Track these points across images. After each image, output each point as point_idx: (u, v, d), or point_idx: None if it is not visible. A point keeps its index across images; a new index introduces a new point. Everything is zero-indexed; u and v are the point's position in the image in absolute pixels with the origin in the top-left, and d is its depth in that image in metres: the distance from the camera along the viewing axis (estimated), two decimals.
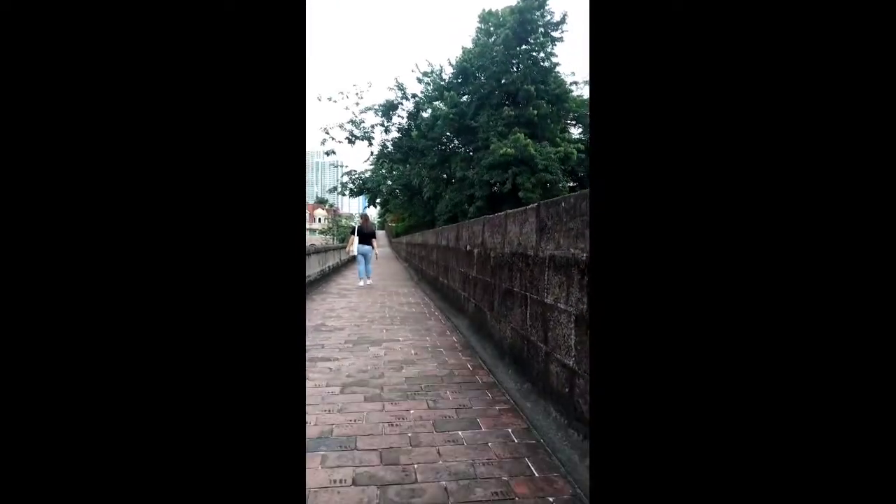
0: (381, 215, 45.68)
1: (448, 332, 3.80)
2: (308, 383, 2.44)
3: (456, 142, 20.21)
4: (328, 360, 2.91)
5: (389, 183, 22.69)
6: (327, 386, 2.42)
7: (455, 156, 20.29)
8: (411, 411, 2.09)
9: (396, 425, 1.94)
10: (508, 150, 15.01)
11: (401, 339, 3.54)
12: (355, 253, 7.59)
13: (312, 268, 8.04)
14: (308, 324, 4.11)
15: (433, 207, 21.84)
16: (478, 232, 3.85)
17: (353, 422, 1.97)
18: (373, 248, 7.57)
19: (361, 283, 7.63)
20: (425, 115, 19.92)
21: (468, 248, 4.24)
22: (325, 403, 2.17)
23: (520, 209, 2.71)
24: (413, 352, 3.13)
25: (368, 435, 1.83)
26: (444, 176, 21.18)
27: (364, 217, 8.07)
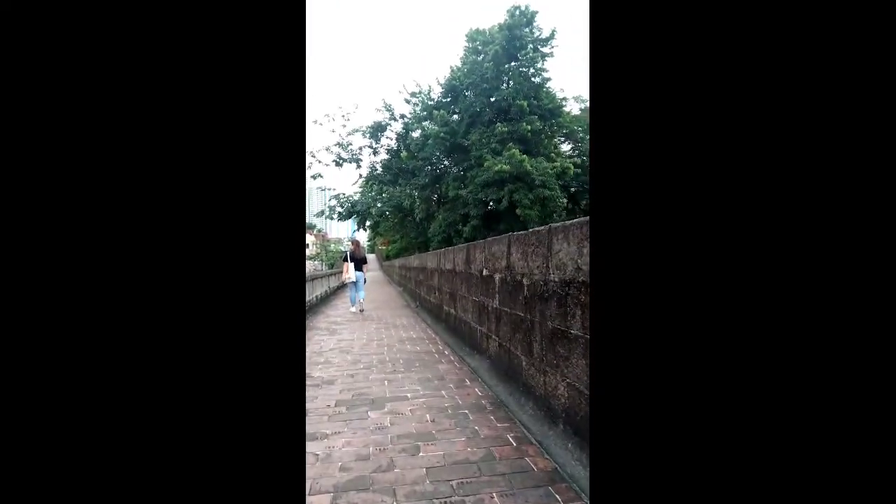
0: (370, 239, 44.84)
1: (468, 382, 3.01)
2: None
3: (447, 162, 19.74)
4: (314, 437, 2.10)
5: (379, 205, 22.03)
6: (310, 492, 1.60)
7: (447, 175, 19.78)
8: None
9: None
10: (504, 166, 14.48)
11: (409, 394, 2.74)
12: (352, 279, 7.50)
13: None
14: None
15: (426, 229, 21.19)
16: (499, 253, 3.12)
17: None
18: (363, 273, 7.64)
19: (353, 310, 7.60)
20: (415, 134, 19.49)
21: (485, 272, 3.50)
22: None
23: (574, 221, 1.99)
24: (429, 417, 2.33)
25: None
26: (436, 196, 20.63)
27: (355, 243, 7.95)
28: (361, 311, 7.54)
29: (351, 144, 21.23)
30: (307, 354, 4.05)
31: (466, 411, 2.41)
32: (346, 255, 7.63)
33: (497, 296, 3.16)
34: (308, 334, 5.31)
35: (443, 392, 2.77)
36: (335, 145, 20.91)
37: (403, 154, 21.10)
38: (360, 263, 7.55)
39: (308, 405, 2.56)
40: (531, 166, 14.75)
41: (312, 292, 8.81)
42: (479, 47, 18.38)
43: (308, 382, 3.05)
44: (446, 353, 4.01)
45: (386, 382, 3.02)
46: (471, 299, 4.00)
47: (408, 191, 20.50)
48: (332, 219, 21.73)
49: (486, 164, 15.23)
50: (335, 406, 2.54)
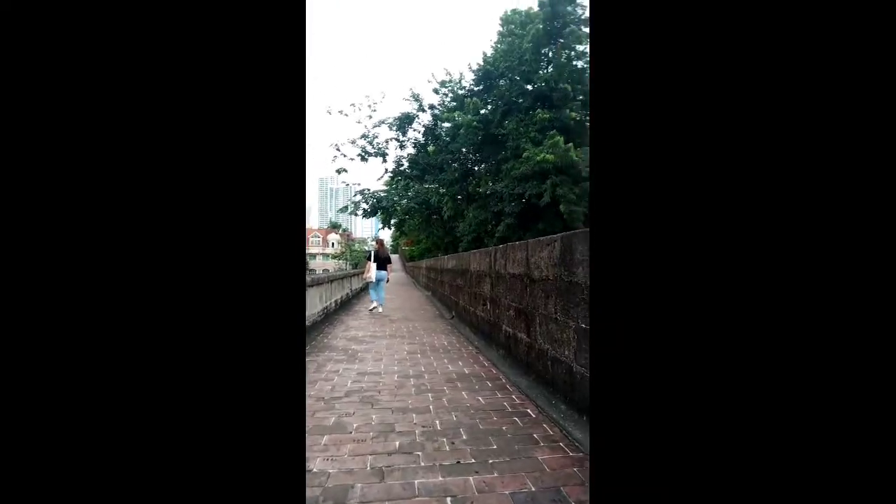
0: (394, 238, 43.64)
1: None
2: None
3: (477, 156, 18.21)
4: None
5: (405, 202, 20.69)
6: None
7: (477, 170, 18.30)
8: None
9: None
10: (547, 156, 12.77)
11: None
12: (373, 280, 7.47)
13: (312, 306, 5.81)
14: None
15: (453, 228, 19.76)
16: None
17: None
18: (387, 272, 7.66)
19: (373, 307, 7.58)
20: (446, 125, 18.08)
21: None
22: None
23: None
24: None
25: None
26: (465, 193, 19.14)
27: (379, 242, 8.03)
28: (380, 310, 7.50)
29: (377, 137, 20.05)
30: (312, 409, 2.60)
31: None
32: (371, 255, 7.62)
33: None
34: (320, 359, 3.89)
35: None
36: (360, 138, 19.75)
37: (431, 148, 19.74)
38: (383, 262, 7.53)
39: None
40: (577, 157, 13.01)
41: (331, 297, 7.44)
42: (516, 30, 16.76)
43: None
44: (531, 413, 2.48)
45: (449, 503, 1.52)
46: (573, 326, 2.47)
47: (435, 187, 19.13)
48: (356, 215, 20.52)
49: (525, 154, 13.55)
50: None
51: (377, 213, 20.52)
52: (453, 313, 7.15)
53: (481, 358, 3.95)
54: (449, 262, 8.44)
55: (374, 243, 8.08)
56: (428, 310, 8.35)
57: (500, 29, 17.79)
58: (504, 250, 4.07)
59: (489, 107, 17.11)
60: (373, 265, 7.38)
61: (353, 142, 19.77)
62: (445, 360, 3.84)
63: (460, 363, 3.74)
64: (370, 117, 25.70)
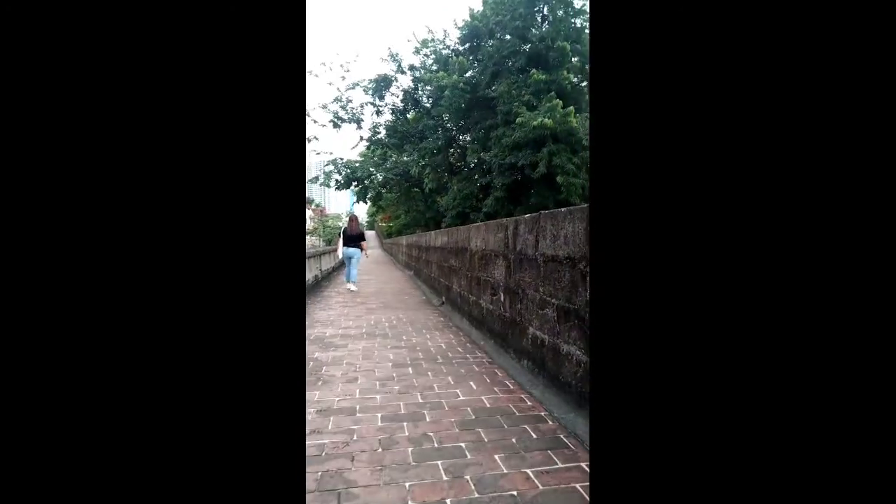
0: (370, 214, 41.69)
1: None
2: None
3: (463, 122, 16.75)
4: None
5: (382, 175, 19.11)
6: None
7: (462, 138, 16.89)
8: None
9: None
10: (545, 120, 11.49)
11: None
12: (341, 257, 7.46)
13: None
14: None
15: (434, 202, 18.46)
16: None
17: None
18: (362, 250, 7.43)
19: (349, 287, 7.45)
20: (428, 89, 16.46)
21: None
22: None
23: None
24: None
25: None
26: (447, 163, 17.76)
27: (352, 219, 7.82)
28: (353, 288, 7.37)
29: (351, 101, 18.23)
30: None
31: None
32: (342, 231, 7.44)
33: None
34: None
35: None
36: (333, 102, 17.90)
37: (411, 115, 18.16)
38: (356, 240, 7.31)
39: None
40: (577, 123, 11.79)
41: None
42: None
43: None
44: None
45: None
46: None
47: (415, 157, 17.65)
48: (328, 186, 18.84)
49: (519, 119, 12.23)
50: None
51: (351, 184, 18.91)
52: (443, 299, 5.99)
53: (499, 373, 2.81)
54: (437, 238, 7.21)
55: (346, 220, 7.91)
56: (412, 294, 7.16)
57: None
58: (532, 222, 2.88)
59: (476, 68, 15.56)
60: (340, 241, 7.32)
61: (325, 106, 17.92)
62: (450, 379, 2.68)
63: (472, 384, 2.59)
64: (343, 78, 23.42)
